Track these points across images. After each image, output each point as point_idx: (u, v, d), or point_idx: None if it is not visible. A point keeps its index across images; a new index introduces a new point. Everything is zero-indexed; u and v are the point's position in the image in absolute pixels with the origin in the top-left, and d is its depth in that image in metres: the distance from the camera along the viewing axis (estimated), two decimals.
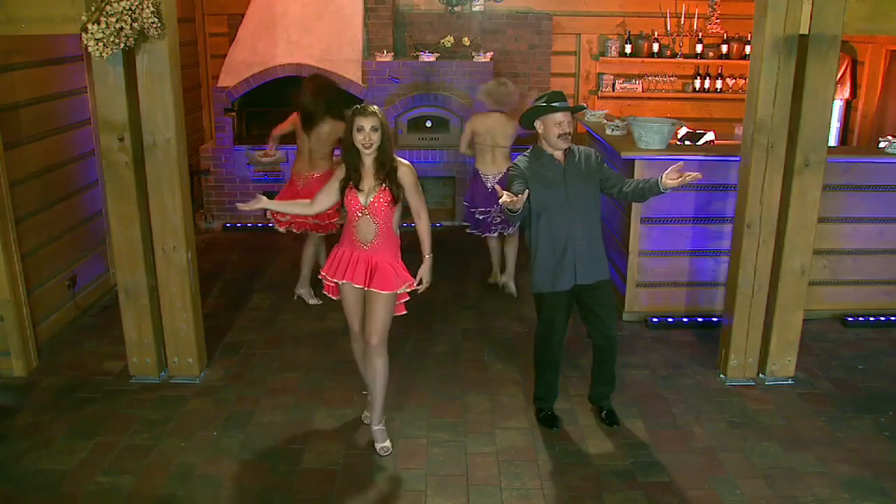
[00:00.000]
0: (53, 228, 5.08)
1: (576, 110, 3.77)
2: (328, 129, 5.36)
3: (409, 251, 3.80)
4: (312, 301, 5.69)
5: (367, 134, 3.52)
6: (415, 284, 3.76)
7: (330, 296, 3.88)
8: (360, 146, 3.55)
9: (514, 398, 4.38)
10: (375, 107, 3.58)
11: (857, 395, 4.45)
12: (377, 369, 3.79)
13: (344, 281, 3.71)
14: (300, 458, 3.81)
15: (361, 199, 3.63)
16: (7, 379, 4.54)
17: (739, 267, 4.44)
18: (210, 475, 3.67)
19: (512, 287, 5.94)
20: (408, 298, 3.83)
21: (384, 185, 3.61)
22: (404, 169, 3.65)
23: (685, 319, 5.35)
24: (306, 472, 3.69)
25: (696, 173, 3.67)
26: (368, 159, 3.60)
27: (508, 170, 4.03)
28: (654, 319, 5.32)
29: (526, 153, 3.90)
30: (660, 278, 5.34)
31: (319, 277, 3.91)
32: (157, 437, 3.96)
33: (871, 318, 5.37)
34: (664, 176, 3.69)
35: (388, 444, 3.88)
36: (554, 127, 3.74)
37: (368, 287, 3.67)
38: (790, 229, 4.35)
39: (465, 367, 4.77)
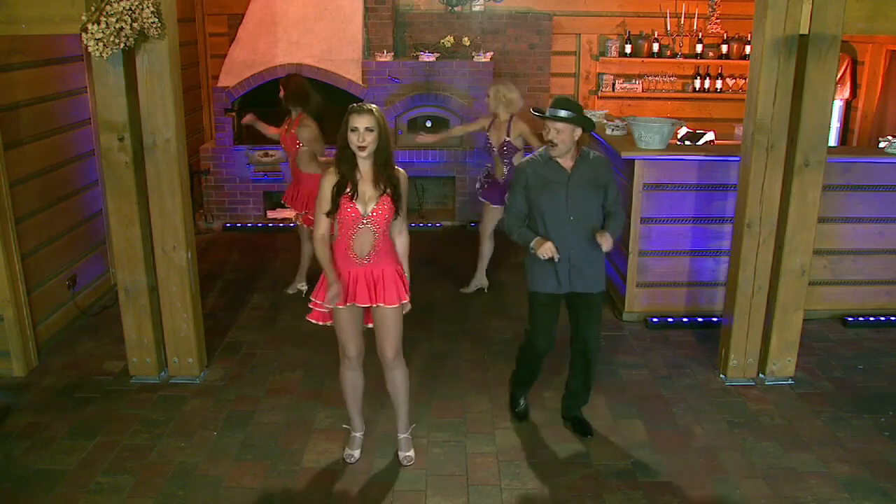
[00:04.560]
0: (53, 228, 5.08)
1: (548, 117, 3.57)
2: (307, 132, 5.31)
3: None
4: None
5: (360, 134, 3.23)
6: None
7: (318, 323, 3.60)
8: (354, 148, 3.27)
9: None
10: (373, 105, 3.29)
11: (856, 395, 4.45)
12: (398, 381, 3.65)
13: (347, 305, 3.44)
14: (300, 458, 3.81)
15: (361, 208, 3.33)
16: (7, 379, 4.54)
17: (739, 267, 4.44)
18: (210, 475, 3.67)
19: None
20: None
21: (385, 191, 3.34)
22: (403, 177, 3.43)
23: (685, 319, 5.35)
24: (306, 472, 3.69)
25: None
26: (365, 164, 3.32)
27: (514, 168, 3.97)
28: (654, 319, 5.32)
29: (536, 153, 3.80)
30: (660, 278, 5.34)
31: (310, 306, 3.57)
32: (157, 437, 3.96)
33: (871, 318, 5.37)
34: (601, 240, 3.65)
35: (412, 453, 3.80)
36: (545, 133, 3.66)
37: (375, 303, 3.46)
38: (790, 229, 4.35)
39: (465, 367, 4.77)
